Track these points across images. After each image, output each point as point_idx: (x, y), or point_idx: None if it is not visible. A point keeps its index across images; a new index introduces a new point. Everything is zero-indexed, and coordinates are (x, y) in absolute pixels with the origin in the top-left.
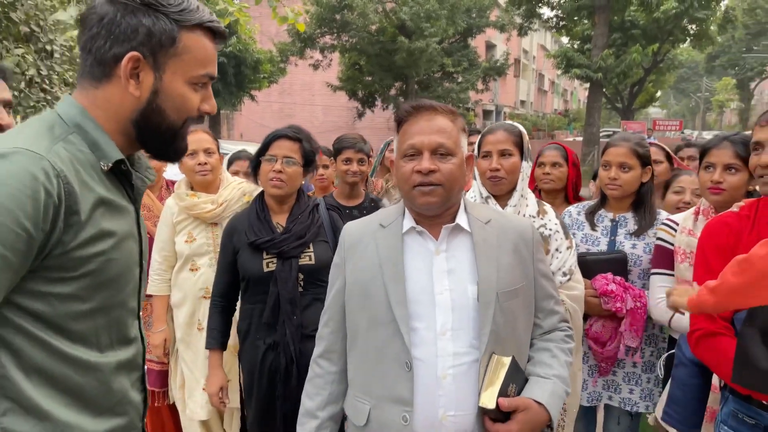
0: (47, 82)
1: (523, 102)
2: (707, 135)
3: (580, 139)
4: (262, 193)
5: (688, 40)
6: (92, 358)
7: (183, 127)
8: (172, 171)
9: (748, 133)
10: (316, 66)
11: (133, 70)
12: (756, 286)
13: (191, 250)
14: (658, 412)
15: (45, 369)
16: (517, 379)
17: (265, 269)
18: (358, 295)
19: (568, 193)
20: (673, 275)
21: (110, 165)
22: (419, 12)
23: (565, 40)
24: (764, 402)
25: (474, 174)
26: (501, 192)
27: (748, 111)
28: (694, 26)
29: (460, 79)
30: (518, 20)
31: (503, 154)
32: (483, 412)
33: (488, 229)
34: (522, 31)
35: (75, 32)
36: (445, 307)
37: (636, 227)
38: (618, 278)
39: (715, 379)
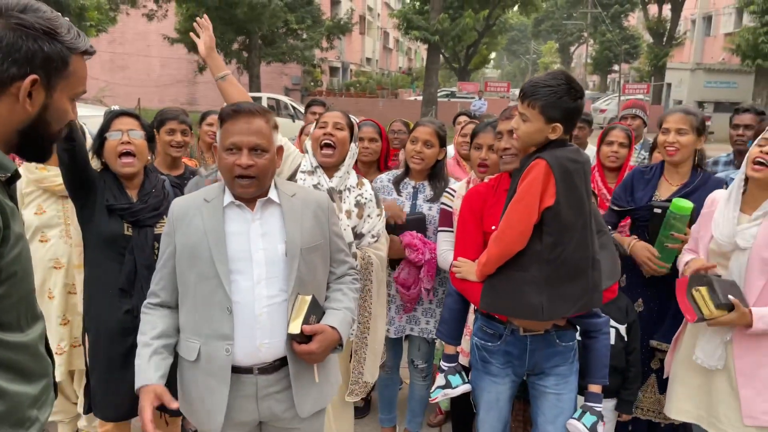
0: None
1: (369, 59)
2: None
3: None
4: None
5: (516, 5)
6: (21, 339)
7: (59, 135)
8: None
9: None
10: (150, 16)
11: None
12: (506, 254)
13: (41, 222)
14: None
15: None
16: (316, 312)
17: (125, 232)
18: (187, 257)
19: (380, 164)
20: (452, 232)
21: (9, 175)
22: None
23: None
24: (497, 317)
25: (305, 147)
26: (329, 162)
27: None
28: None
29: (304, 36)
30: None
31: (337, 126)
32: (291, 338)
33: (294, 201)
34: None
35: None
36: (260, 262)
37: (432, 194)
38: (419, 234)
39: (470, 315)
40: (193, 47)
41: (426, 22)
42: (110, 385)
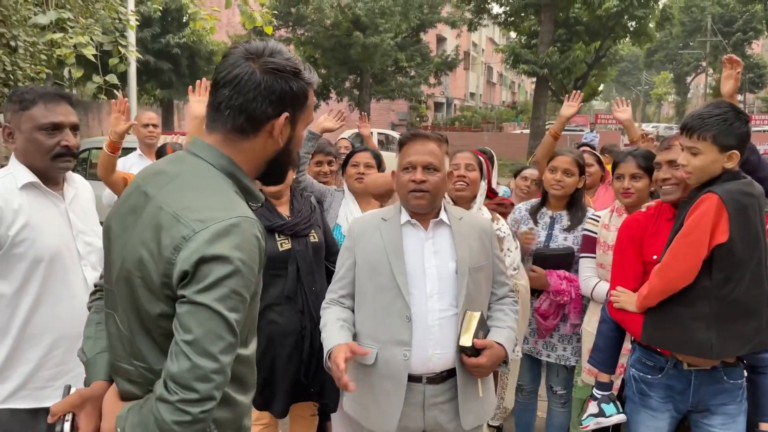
0: (11, 77)
1: (472, 94)
2: (646, 126)
3: (528, 131)
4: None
5: (628, 36)
6: (245, 353)
7: (295, 161)
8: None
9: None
10: None
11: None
12: (669, 288)
13: None
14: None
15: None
16: (484, 328)
17: (281, 249)
18: (367, 271)
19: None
20: (594, 257)
21: (259, 205)
22: (374, 8)
23: (513, 34)
24: (659, 350)
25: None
26: (463, 199)
27: (684, 104)
28: (633, 23)
29: (412, 73)
30: (468, 16)
31: (469, 168)
32: (461, 350)
33: (461, 223)
34: (472, 27)
35: (53, 36)
36: (433, 277)
37: (569, 223)
38: (566, 274)
39: (626, 344)
40: None
41: (534, 56)
42: (276, 378)
